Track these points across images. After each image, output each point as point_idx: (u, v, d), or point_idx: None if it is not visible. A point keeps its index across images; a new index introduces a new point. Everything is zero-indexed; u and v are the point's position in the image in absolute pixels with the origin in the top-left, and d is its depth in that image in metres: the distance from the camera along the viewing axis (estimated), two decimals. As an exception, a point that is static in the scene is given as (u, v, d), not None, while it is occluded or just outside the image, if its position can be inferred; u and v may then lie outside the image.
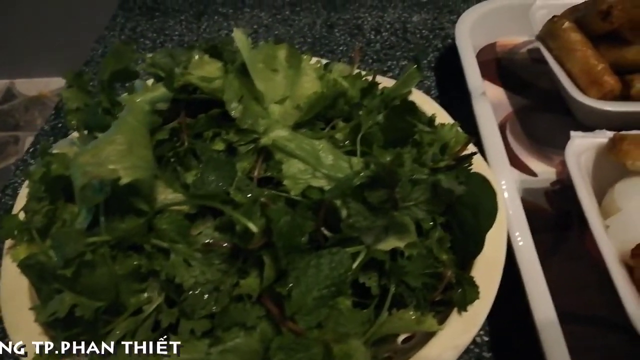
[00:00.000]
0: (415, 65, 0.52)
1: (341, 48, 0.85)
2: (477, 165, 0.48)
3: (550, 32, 0.64)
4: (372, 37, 0.87)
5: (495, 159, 0.51)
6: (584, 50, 0.61)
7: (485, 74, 0.73)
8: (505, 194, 0.48)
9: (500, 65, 0.75)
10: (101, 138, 0.35)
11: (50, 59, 1.83)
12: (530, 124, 0.66)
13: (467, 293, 0.38)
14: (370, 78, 0.50)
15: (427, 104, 0.55)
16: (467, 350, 0.46)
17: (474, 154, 0.44)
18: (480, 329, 0.48)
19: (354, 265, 0.35)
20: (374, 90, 0.48)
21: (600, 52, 0.63)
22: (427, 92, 0.75)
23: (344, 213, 0.36)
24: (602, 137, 0.50)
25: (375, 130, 0.42)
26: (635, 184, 0.45)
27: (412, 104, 0.46)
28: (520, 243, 0.46)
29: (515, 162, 0.61)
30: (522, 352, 0.46)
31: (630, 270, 0.41)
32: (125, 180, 0.33)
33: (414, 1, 0.94)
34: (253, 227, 0.32)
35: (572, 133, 0.51)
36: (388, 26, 0.89)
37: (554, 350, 0.39)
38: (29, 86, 1.93)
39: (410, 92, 0.54)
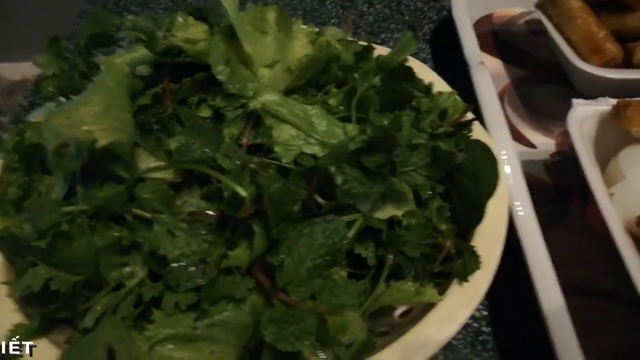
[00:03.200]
0: (412, 33, 0.49)
1: (333, 20, 0.82)
2: (477, 133, 0.46)
3: (550, 0, 0.62)
4: (365, 9, 0.84)
5: (495, 128, 0.49)
6: (585, 18, 0.59)
7: (483, 46, 0.71)
8: (506, 164, 0.47)
9: (497, 37, 0.73)
10: (76, 100, 0.33)
11: (35, 42, 1.77)
12: (528, 95, 0.64)
13: (467, 263, 0.36)
14: (365, 44, 0.47)
15: (424, 72, 0.52)
16: (465, 325, 0.45)
17: (474, 119, 0.42)
18: (480, 303, 0.47)
19: (350, 234, 0.33)
20: (369, 55, 0.46)
21: (601, 19, 0.61)
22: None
23: (339, 179, 0.34)
24: (605, 104, 0.48)
25: (371, 94, 0.39)
26: (638, 152, 0.44)
27: (409, 69, 0.44)
28: (521, 214, 0.44)
29: (514, 134, 0.59)
30: (522, 326, 0.44)
31: (635, 239, 0.40)
32: (102, 142, 0.30)
33: (408, -27, 0.91)
34: (242, 192, 0.30)
35: (574, 101, 0.49)
36: (381, -2, 0.86)
37: (557, 323, 0.37)
38: (12, 70, 1.86)
39: (406, 60, 0.52)
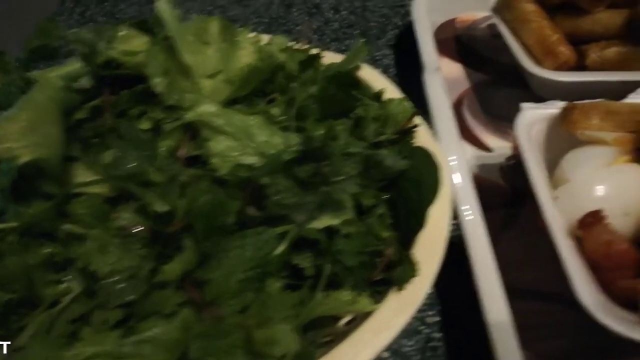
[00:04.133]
0: (364, 40, 0.50)
1: (298, 27, 0.82)
2: (423, 139, 0.46)
3: (505, 4, 0.62)
4: (331, 15, 0.84)
5: (445, 133, 0.49)
6: (539, 21, 0.60)
7: (444, 51, 0.72)
8: (455, 170, 0.47)
9: (459, 42, 0.73)
10: (2, 116, 0.32)
11: None
12: (488, 99, 0.65)
13: (405, 271, 0.36)
14: (314, 52, 0.47)
15: (376, 79, 0.52)
16: (417, 331, 0.45)
17: (415, 126, 0.42)
18: (432, 310, 0.47)
19: (282, 245, 0.33)
20: (314, 63, 0.46)
21: (556, 22, 0.61)
22: (386, 70, 0.72)
23: (270, 190, 0.33)
24: (554, 107, 0.48)
25: (309, 103, 0.39)
26: (584, 154, 0.44)
27: (352, 76, 0.44)
28: (469, 218, 0.44)
29: (471, 138, 0.59)
30: (473, 332, 0.44)
31: (579, 242, 0.40)
32: (23, 159, 0.30)
33: (374, -22, 0.91)
34: (161, 207, 0.30)
35: (523, 105, 0.49)
36: (347, 4, 0.86)
37: (499, 328, 0.37)
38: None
39: (358, 67, 0.52)
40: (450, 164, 0.47)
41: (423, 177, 0.40)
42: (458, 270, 0.42)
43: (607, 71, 0.56)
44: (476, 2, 0.74)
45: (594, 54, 0.57)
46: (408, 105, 0.49)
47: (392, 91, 0.52)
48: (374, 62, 0.75)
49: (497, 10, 0.63)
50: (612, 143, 0.43)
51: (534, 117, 0.48)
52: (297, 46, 0.49)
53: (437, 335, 0.44)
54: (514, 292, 0.41)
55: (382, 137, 0.40)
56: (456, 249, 0.42)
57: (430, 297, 0.47)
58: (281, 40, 0.48)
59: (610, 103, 0.46)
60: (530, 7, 0.61)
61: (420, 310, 0.42)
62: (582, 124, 0.45)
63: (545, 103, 0.49)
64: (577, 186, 0.42)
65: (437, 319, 0.46)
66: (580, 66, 0.58)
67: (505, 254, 0.44)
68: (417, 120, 0.49)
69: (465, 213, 0.45)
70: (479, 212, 0.45)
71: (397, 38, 0.79)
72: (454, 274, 0.41)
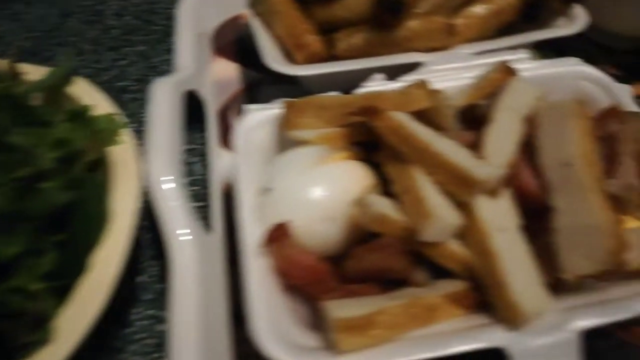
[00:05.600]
0: (72, 51, 0.44)
1: (73, 39, 0.74)
2: (124, 159, 0.41)
3: (256, -3, 0.58)
4: (113, 22, 0.77)
5: (156, 153, 0.43)
6: (288, 11, 0.56)
7: (222, 52, 0.67)
8: (165, 192, 0.41)
9: (236, 41, 0.69)
10: None
11: None
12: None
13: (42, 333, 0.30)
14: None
15: (87, 95, 0.46)
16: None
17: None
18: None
19: None
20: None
21: (311, 11, 0.58)
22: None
23: None
24: (277, 107, 0.44)
25: None
26: (291, 156, 0.40)
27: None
28: (182, 242, 0.39)
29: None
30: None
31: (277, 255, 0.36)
32: None
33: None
34: None
35: (247, 106, 0.45)
36: (133, 9, 0.79)
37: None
38: None
39: (67, 83, 0.46)
40: (164, 186, 0.41)
41: (90, 210, 0.35)
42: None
43: (353, 59, 0.53)
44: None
45: (341, 42, 0.55)
46: (118, 120, 0.43)
47: (106, 106, 0.46)
48: (153, 70, 0.69)
49: (252, 4, 0.59)
50: (317, 141, 0.40)
51: (256, 119, 0.44)
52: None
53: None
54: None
55: (48, 164, 0.34)
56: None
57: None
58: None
59: (323, 98, 0.43)
60: (280, -2, 0.57)
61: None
62: (296, 123, 0.42)
63: (271, 103, 0.45)
64: (278, 194, 0.38)
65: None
66: (334, 56, 0.55)
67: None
68: (126, 136, 0.44)
69: (180, 238, 0.40)
70: (189, 236, 0.40)
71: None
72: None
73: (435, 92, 0.41)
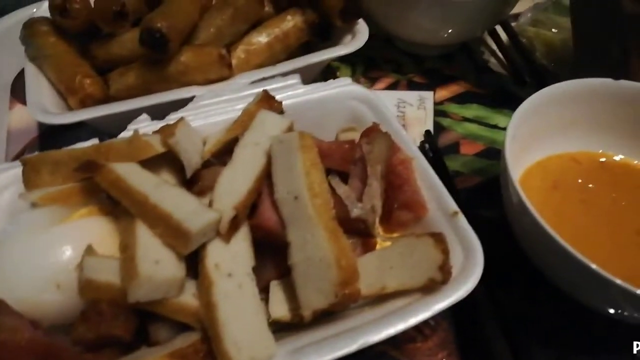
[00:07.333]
0: None
1: None
2: None
3: (26, 40, 0.54)
4: None
5: None
6: (59, 55, 0.53)
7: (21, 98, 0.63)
8: None
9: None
10: None
11: None
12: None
13: None
14: None
15: None
16: None
17: None
18: None
19: None
20: None
21: (90, 50, 0.55)
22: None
23: None
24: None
25: None
26: (24, 218, 0.37)
27: None
28: None
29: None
30: None
31: None
32: None
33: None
34: None
35: (-11, 166, 0.42)
36: None
37: None
38: None
39: None
40: None
41: None
42: None
43: (129, 99, 0.50)
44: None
45: (115, 82, 0.52)
46: None
47: None
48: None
49: (25, 48, 0.55)
50: (42, 202, 0.37)
51: (8, 179, 0.41)
52: None
53: None
54: None
55: None
56: None
57: None
58: None
59: (56, 153, 0.40)
60: (52, 39, 0.53)
61: None
62: (34, 181, 0.39)
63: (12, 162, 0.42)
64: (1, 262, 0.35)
65: None
66: (109, 97, 0.52)
67: None
68: None
69: None
70: None
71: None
72: None
73: (169, 136, 0.39)
